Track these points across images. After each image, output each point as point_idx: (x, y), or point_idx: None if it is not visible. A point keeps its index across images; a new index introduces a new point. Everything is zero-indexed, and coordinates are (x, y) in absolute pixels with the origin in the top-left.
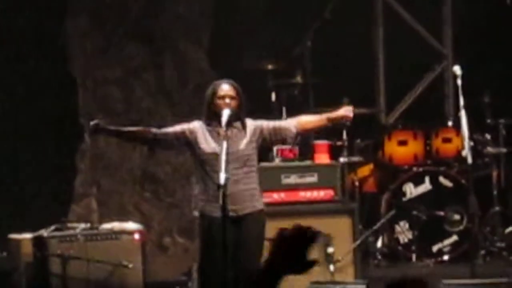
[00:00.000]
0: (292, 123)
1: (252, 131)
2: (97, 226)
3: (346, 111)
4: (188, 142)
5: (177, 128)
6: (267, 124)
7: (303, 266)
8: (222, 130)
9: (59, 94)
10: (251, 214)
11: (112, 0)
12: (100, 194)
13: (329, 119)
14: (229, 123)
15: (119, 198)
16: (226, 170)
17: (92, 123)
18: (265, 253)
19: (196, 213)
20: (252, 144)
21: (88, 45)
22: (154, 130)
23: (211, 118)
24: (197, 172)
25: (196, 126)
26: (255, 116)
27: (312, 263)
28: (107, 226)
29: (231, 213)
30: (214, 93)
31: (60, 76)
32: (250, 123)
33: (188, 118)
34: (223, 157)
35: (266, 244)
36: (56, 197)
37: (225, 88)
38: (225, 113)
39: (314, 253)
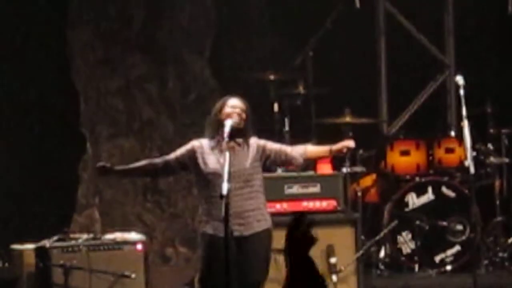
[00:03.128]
0: (299, 152)
1: (255, 149)
2: (99, 236)
3: (347, 143)
4: (189, 165)
5: (178, 154)
6: (271, 144)
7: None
8: (225, 143)
9: (61, 104)
10: (256, 234)
11: (114, 10)
12: (103, 205)
13: (331, 151)
14: (233, 137)
15: (121, 208)
16: (229, 181)
17: (98, 165)
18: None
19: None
20: (256, 163)
21: (90, 55)
22: (157, 161)
23: (216, 130)
24: (200, 193)
25: (196, 146)
26: (259, 130)
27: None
28: (109, 236)
29: (235, 233)
30: (224, 103)
31: (62, 86)
32: (254, 141)
33: (189, 129)
34: (226, 168)
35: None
36: (59, 207)
37: (235, 100)
38: (228, 124)
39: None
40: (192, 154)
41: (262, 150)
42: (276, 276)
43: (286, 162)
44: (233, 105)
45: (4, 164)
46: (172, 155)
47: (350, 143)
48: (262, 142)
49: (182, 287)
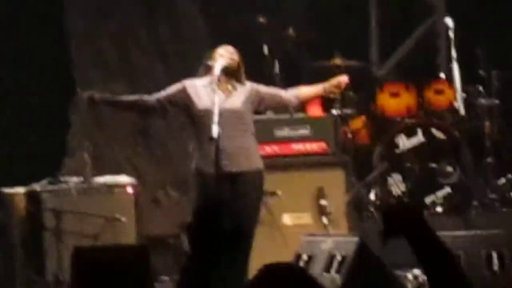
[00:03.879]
0: (293, 94)
1: (249, 92)
2: (90, 180)
3: (341, 78)
4: (180, 104)
5: (169, 92)
6: (267, 88)
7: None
8: (215, 82)
9: (52, 47)
10: (247, 173)
11: None
12: (93, 148)
13: (325, 89)
14: (223, 77)
15: (112, 152)
16: (219, 123)
17: (86, 95)
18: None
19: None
20: (248, 104)
21: (83, 2)
22: (148, 98)
23: (207, 73)
24: (192, 132)
25: (188, 84)
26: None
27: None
28: (100, 180)
29: (225, 169)
30: (214, 50)
31: (53, 30)
32: (248, 84)
33: (181, 74)
34: (216, 110)
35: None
36: (49, 151)
37: (226, 47)
38: (219, 63)
39: (308, 207)
40: (183, 92)
41: (256, 93)
42: (267, 218)
43: (280, 104)
44: (224, 50)
45: None
46: (163, 93)
47: (344, 78)
48: (256, 85)
49: (173, 230)
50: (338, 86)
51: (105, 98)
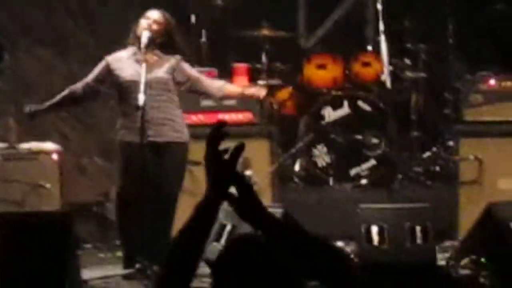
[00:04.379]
0: (217, 86)
1: (175, 64)
2: (15, 145)
3: (259, 91)
4: (107, 80)
5: (95, 72)
6: (194, 71)
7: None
8: (141, 53)
9: None
10: (172, 143)
11: None
12: (18, 114)
13: (243, 95)
14: (149, 47)
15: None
16: (145, 93)
17: (25, 111)
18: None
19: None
20: (173, 75)
21: None
22: (78, 86)
23: (134, 41)
24: (117, 102)
25: (110, 60)
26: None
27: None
28: (25, 145)
29: (150, 139)
30: (142, 15)
31: None
32: (177, 57)
33: (108, 39)
34: (142, 79)
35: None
36: None
37: (153, 12)
38: (145, 35)
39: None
40: (106, 68)
41: (182, 69)
42: (191, 187)
43: (202, 91)
44: (148, 16)
45: None
46: (90, 76)
47: (262, 92)
48: (186, 64)
49: (97, 197)
50: (256, 97)
51: (43, 108)
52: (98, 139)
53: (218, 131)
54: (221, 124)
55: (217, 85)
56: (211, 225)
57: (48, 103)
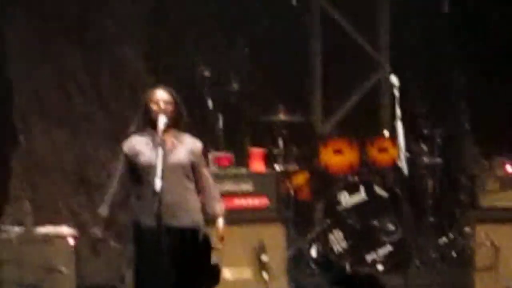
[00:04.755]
0: (213, 204)
1: (193, 147)
2: (31, 229)
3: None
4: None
5: (121, 170)
6: (205, 168)
7: None
8: (158, 138)
9: None
10: (188, 229)
11: (49, 3)
12: (35, 197)
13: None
14: (166, 130)
15: (53, 201)
16: (162, 177)
17: (93, 235)
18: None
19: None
20: (189, 159)
21: (23, 46)
22: (116, 191)
23: (146, 125)
24: (132, 187)
25: (127, 149)
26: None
27: None
28: (41, 230)
29: (165, 222)
30: (148, 98)
31: None
32: (193, 141)
33: (123, 122)
34: (159, 164)
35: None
36: None
37: (160, 93)
38: (161, 120)
39: (249, 262)
40: (127, 158)
41: (198, 156)
42: None
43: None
44: (157, 100)
45: None
46: (118, 175)
47: (218, 241)
48: (199, 156)
49: (113, 281)
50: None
51: (106, 227)
52: (114, 223)
53: None
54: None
55: (213, 203)
56: None
57: (106, 220)
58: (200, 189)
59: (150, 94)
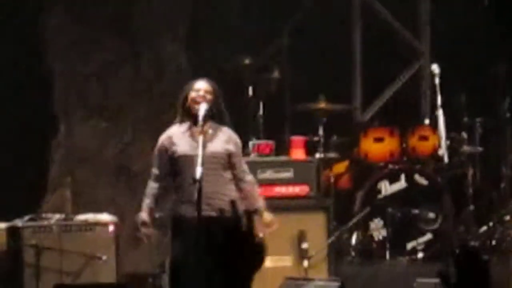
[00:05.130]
0: (246, 180)
1: (229, 137)
2: (71, 217)
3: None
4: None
5: (159, 161)
6: (240, 157)
7: None
8: (197, 128)
9: (35, 86)
10: (225, 218)
11: None
12: (75, 185)
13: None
14: (205, 120)
15: (93, 189)
16: (202, 165)
17: (139, 220)
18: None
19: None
20: (228, 148)
21: (64, 37)
22: (155, 183)
23: (186, 116)
24: (171, 176)
25: (164, 141)
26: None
27: None
28: (81, 217)
29: (203, 212)
30: (189, 88)
31: (36, 69)
32: (231, 133)
33: (162, 113)
34: (200, 153)
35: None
36: (31, 187)
37: (201, 83)
38: (202, 107)
39: (289, 250)
40: (164, 150)
41: (234, 146)
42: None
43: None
44: (198, 89)
45: None
46: (158, 168)
47: (274, 225)
48: (238, 143)
49: (153, 269)
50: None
51: (150, 213)
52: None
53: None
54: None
55: (246, 179)
56: None
57: (151, 206)
58: (237, 182)
59: (191, 84)
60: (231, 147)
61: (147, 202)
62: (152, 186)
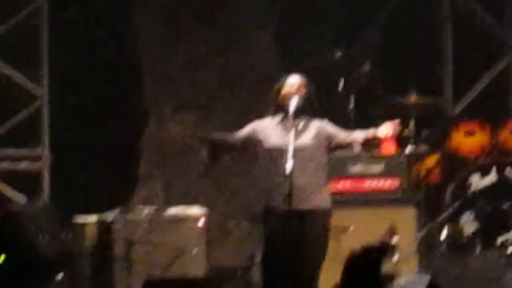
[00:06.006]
0: (346, 138)
1: (318, 128)
2: (162, 210)
3: (388, 128)
4: (249, 146)
5: (242, 134)
6: (334, 129)
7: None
8: (289, 121)
9: (126, 79)
10: (316, 211)
11: None
12: (165, 178)
13: (374, 136)
14: (297, 113)
15: (183, 181)
16: (293, 159)
17: (199, 136)
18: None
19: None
20: (318, 141)
21: (154, 31)
22: (233, 138)
23: (278, 109)
24: (262, 169)
25: (257, 126)
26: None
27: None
28: (172, 210)
29: (294, 206)
30: (283, 82)
31: (126, 63)
32: (318, 121)
33: (251, 107)
34: (291, 147)
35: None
36: (122, 180)
37: (294, 77)
38: (294, 101)
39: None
40: (253, 134)
41: (325, 131)
42: (336, 253)
43: (337, 146)
44: (292, 83)
45: (67, 137)
46: (239, 135)
47: (390, 130)
48: (328, 127)
49: (243, 261)
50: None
51: (214, 139)
52: (243, 203)
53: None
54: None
55: (346, 136)
56: None
57: (218, 139)
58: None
59: (285, 79)
60: (326, 131)
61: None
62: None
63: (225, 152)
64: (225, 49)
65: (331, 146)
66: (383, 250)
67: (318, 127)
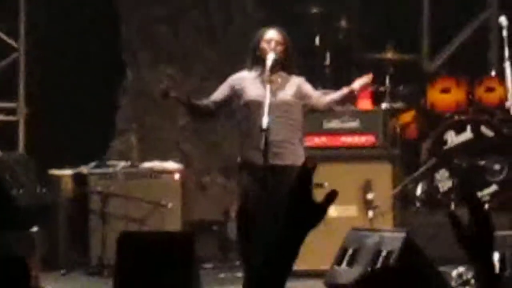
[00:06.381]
0: (322, 100)
1: (297, 85)
2: (137, 164)
3: (364, 79)
4: (230, 102)
5: (220, 94)
6: (313, 91)
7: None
8: (266, 75)
9: (102, 29)
10: (291, 167)
11: None
12: (141, 131)
13: (351, 92)
14: (274, 69)
15: (159, 135)
16: (269, 114)
17: (162, 87)
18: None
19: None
20: (297, 98)
21: None
22: (210, 103)
23: (256, 63)
24: (239, 122)
25: (234, 79)
26: (300, 64)
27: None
28: (147, 164)
29: (270, 161)
30: (260, 37)
31: (103, 12)
32: (297, 78)
33: (231, 58)
34: (267, 101)
35: None
36: (97, 133)
37: (272, 32)
38: (270, 57)
39: (354, 199)
40: (231, 90)
41: (303, 89)
42: None
43: (315, 108)
44: (269, 39)
45: (42, 90)
46: (217, 96)
47: (366, 79)
48: (306, 85)
49: (218, 216)
50: (365, 86)
51: (179, 98)
52: (220, 158)
53: (308, 173)
54: (310, 166)
55: (322, 100)
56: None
57: (185, 99)
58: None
59: (262, 33)
60: (304, 89)
61: (195, 101)
62: (208, 101)
63: (199, 116)
64: (206, 5)
65: (306, 107)
66: (307, 168)
67: (297, 85)
